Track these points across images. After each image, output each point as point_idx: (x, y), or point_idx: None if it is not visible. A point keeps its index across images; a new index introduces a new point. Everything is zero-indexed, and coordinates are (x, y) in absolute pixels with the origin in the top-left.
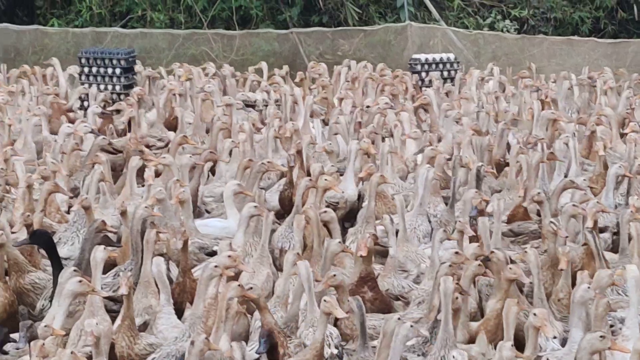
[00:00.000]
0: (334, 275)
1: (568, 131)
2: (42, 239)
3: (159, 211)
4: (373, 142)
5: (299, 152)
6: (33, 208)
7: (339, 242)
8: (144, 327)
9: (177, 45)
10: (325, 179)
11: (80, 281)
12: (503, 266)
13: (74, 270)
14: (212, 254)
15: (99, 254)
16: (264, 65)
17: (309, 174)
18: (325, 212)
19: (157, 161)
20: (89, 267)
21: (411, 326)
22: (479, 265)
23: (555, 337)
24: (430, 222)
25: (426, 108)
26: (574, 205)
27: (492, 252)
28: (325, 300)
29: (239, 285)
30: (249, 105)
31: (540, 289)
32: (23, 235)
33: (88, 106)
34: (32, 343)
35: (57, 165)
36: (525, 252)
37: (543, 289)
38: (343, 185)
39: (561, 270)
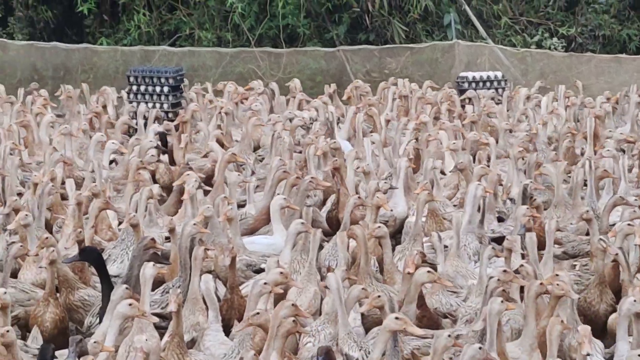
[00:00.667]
0: (379, 296)
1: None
2: (92, 256)
3: (207, 228)
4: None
5: (337, 169)
6: (82, 225)
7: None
8: (192, 344)
9: (224, 63)
10: (377, 197)
11: (130, 304)
12: (531, 280)
13: (126, 288)
14: (260, 271)
15: (148, 270)
16: (296, 82)
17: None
18: (379, 227)
19: (181, 180)
20: (137, 283)
21: (480, 348)
22: (540, 284)
23: (589, 355)
24: (480, 239)
25: (472, 126)
26: (629, 224)
27: (521, 265)
28: (398, 318)
29: (292, 304)
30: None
31: (573, 311)
32: (74, 252)
33: (137, 124)
34: (81, 359)
35: (103, 186)
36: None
37: (577, 310)
38: (392, 203)
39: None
